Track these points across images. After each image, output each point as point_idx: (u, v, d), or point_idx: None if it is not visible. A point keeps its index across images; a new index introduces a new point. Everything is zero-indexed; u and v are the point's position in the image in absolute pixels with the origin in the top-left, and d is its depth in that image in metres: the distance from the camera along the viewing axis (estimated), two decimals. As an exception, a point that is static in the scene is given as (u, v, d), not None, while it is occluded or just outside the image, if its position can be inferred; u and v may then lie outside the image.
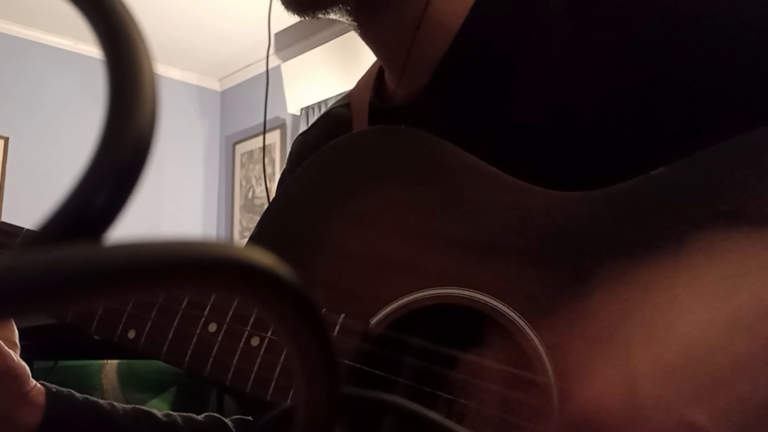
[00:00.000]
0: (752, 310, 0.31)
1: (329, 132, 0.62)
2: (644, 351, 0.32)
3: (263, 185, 3.69)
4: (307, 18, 0.53)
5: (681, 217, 0.37)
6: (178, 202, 3.84)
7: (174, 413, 0.62)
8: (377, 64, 0.62)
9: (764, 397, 0.29)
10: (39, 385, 0.55)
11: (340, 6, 0.52)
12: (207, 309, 0.48)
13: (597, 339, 0.36)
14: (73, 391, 0.57)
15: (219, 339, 0.47)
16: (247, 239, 0.54)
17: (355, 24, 0.55)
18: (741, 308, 0.31)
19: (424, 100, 0.53)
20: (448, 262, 0.43)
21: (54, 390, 0.56)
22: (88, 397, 0.58)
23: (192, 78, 4.04)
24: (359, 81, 0.64)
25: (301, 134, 0.68)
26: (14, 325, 0.55)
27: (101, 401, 0.59)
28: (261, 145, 3.70)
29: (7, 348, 0.52)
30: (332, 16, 0.53)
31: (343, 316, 0.45)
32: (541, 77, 0.47)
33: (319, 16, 0.53)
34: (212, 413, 0.64)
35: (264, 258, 0.14)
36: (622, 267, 0.37)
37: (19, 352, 0.54)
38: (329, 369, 0.17)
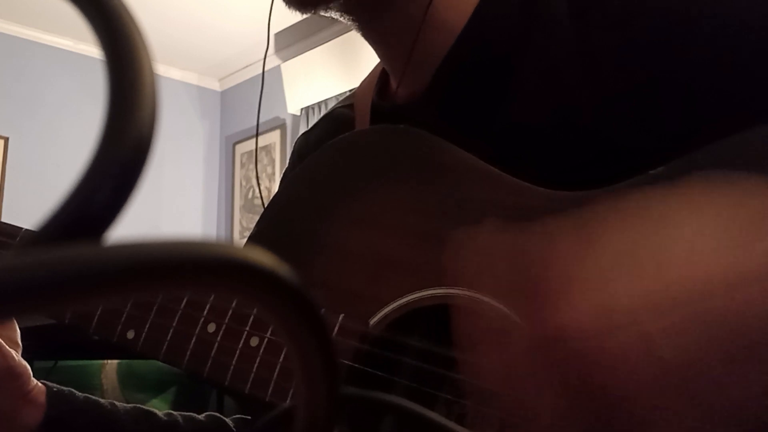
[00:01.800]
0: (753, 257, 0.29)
1: (331, 132, 0.62)
2: (626, 282, 0.31)
3: (263, 185, 3.70)
4: (307, 15, 0.53)
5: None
6: (178, 202, 3.85)
7: (175, 413, 0.62)
8: (381, 64, 0.62)
9: (731, 323, 0.28)
10: (40, 384, 0.55)
11: (342, 4, 0.52)
12: (206, 309, 0.48)
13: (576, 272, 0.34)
14: (74, 391, 0.57)
15: (218, 339, 0.47)
16: (246, 239, 0.54)
17: (356, 24, 0.54)
18: (744, 254, 0.30)
19: (425, 100, 0.53)
20: (448, 262, 0.43)
21: (55, 389, 0.56)
22: (89, 396, 0.58)
23: (192, 78, 4.05)
24: (363, 81, 0.64)
25: (303, 134, 0.68)
26: (16, 324, 0.55)
27: (102, 400, 0.59)
28: (261, 145, 3.70)
29: (8, 347, 0.52)
30: (333, 14, 0.53)
31: (342, 316, 0.45)
32: (541, 77, 0.47)
33: (320, 13, 0.53)
34: (213, 413, 0.64)
35: (264, 258, 0.14)
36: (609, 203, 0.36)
37: (20, 351, 0.54)
38: (329, 369, 0.17)
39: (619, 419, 0.29)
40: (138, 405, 0.61)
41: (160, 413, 0.61)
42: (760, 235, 0.30)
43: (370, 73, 0.64)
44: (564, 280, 0.32)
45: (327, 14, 0.53)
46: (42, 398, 0.54)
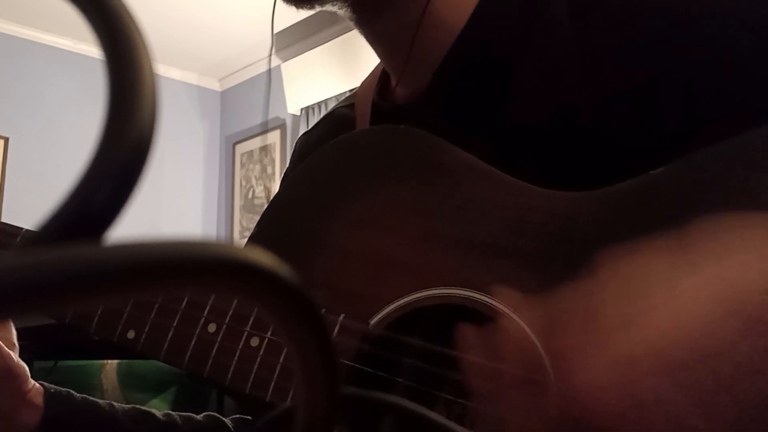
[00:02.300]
0: (757, 302, 0.30)
1: (332, 132, 0.62)
2: (644, 342, 0.32)
3: (263, 185, 3.70)
4: (305, 10, 0.52)
5: (680, 215, 0.37)
6: (178, 202, 3.84)
7: (173, 413, 0.62)
8: (382, 64, 0.62)
9: (762, 397, 0.29)
10: (37, 385, 0.55)
11: (339, 1, 0.52)
12: (207, 309, 0.48)
13: (595, 330, 0.35)
14: (71, 391, 0.57)
15: (218, 339, 0.47)
16: (247, 239, 0.54)
17: (355, 22, 0.54)
18: (745, 299, 0.31)
19: (425, 100, 0.53)
20: (448, 262, 0.43)
21: (52, 390, 0.56)
22: (87, 397, 0.58)
23: (192, 78, 4.04)
24: (363, 81, 0.64)
25: (304, 134, 0.68)
26: (12, 325, 0.55)
27: (100, 401, 0.59)
28: (261, 145, 3.70)
29: (6, 348, 0.52)
30: (331, 8, 0.53)
31: (342, 316, 0.45)
32: (541, 77, 0.47)
33: (317, 8, 0.52)
34: (212, 413, 0.64)
35: (263, 258, 0.14)
36: (620, 261, 0.37)
37: (17, 352, 0.54)
38: (329, 369, 0.17)
39: None
40: (136, 405, 0.61)
41: (158, 413, 0.61)
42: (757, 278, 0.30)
43: (371, 73, 0.64)
44: (582, 334, 0.33)
45: (323, 8, 0.52)
46: (40, 399, 0.54)
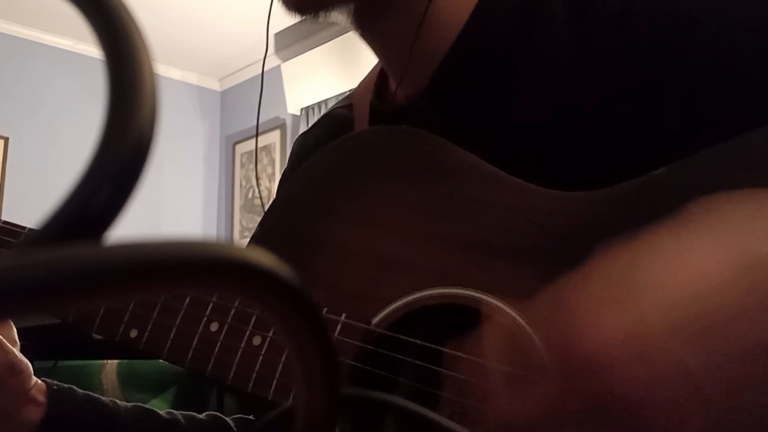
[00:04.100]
0: (757, 260, 0.30)
1: (330, 132, 0.62)
2: (652, 296, 0.30)
3: (263, 185, 3.70)
4: (307, 19, 0.53)
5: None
6: (178, 202, 3.85)
7: (175, 411, 0.62)
8: (379, 64, 0.62)
9: (761, 342, 0.28)
10: (40, 382, 0.55)
11: (342, 7, 0.52)
12: (209, 308, 0.48)
13: (595, 307, 0.34)
14: (74, 387, 0.57)
15: (221, 338, 0.47)
16: (247, 239, 0.54)
17: (356, 26, 0.54)
18: (748, 259, 0.30)
19: (424, 100, 0.53)
20: (449, 262, 0.43)
21: (55, 387, 0.56)
22: (90, 393, 0.58)
23: (192, 78, 4.04)
24: (361, 82, 0.64)
25: (302, 134, 0.68)
26: (12, 323, 0.55)
27: (103, 398, 0.59)
28: (261, 145, 3.70)
29: (9, 344, 0.52)
30: (333, 17, 0.53)
31: (344, 315, 0.45)
32: (541, 77, 0.47)
33: (321, 17, 0.53)
34: (214, 413, 0.64)
35: (264, 258, 0.14)
36: (617, 247, 0.36)
37: (18, 349, 0.54)
38: (329, 369, 0.17)
39: None
40: (139, 404, 0.61)
41: (161, 412, 0.61)
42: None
43: (368, 73, 0.64)
44: (587, 303, 0.31)
45: (325, 18, 0.53)
46: (42, 396, 0.54)
